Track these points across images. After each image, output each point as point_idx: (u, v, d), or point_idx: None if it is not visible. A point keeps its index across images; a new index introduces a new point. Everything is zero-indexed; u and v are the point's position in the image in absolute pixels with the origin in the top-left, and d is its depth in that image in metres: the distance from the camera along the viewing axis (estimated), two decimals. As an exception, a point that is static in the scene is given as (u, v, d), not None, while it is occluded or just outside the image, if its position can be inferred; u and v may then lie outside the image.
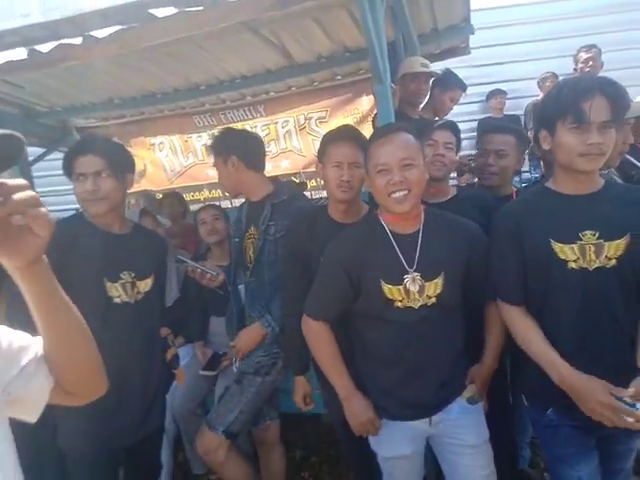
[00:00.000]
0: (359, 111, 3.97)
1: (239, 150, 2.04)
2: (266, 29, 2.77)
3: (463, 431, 1.60)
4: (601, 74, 3.48)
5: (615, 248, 1.35)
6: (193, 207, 4.59)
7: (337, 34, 3.11)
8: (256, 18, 2.27)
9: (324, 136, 1.88)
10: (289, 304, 1.88)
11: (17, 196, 0.65)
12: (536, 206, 1.48)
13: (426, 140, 1.90)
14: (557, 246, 1.39)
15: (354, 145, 1.73)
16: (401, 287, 1.50)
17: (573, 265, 1.38)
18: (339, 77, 3.92)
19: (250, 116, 4.18)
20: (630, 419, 1.26)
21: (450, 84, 3.10)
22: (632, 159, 2.26)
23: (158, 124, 4.39)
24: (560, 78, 4.66)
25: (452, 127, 1.99)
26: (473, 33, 3.32)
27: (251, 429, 2.25)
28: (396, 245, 1.52)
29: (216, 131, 2.34)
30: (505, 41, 5.47)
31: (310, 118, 4.11)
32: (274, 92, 4.10)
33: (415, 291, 1.50)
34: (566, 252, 1.38)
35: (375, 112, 3.40)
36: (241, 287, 2.16)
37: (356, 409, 1.58)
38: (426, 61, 2.81)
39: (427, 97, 3.01)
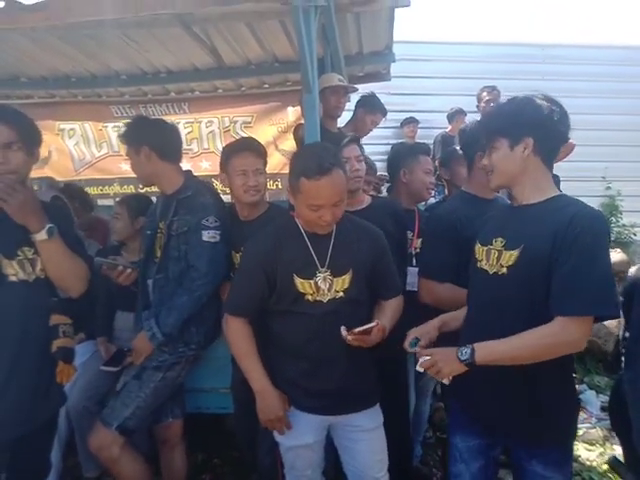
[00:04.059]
0: (284, 121, 4.06)
1: (151, 140, 1.99)
2: (198, 26, 2.77)
3: (361, 416, 1.71)
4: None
5: (508, 257, 1.41)
6: (102, 202, 4.35)
7: (268, 43, 3.19)
8: (191, 12, 2.27)
9: (225, 147, 2.13)
10: None
11: None
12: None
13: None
14: (477, 246, 1.56)
15: (255, 155, 2.02)
16: (312, 282, 1.61)
17: (481, 265, 1.51)
18: (266, 85, 4.00)
19: (173, 112, 4.07)
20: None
21: (374, 107, 3.32)
22: None
23: (70, 109, 4.11)
24: (467, 115, 5.16)
25: (357, 141, 2.18)
26: (394, 61, 3.58)
27: (152, 428, 2.17)
28: (310, 245, 1.63)
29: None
30: (422, 74, 5.99)
31: (235, 121, 4.12)
32: (199, 91, 4.06)
33: (325, 288, 1.62)
34: (480, 252, 1.53)
35: (298, 123, 3.52)
36: (150, 282, 2.10)
37: (268, 405, 1.62)
38: (342, 77, 2.98)
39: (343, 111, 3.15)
